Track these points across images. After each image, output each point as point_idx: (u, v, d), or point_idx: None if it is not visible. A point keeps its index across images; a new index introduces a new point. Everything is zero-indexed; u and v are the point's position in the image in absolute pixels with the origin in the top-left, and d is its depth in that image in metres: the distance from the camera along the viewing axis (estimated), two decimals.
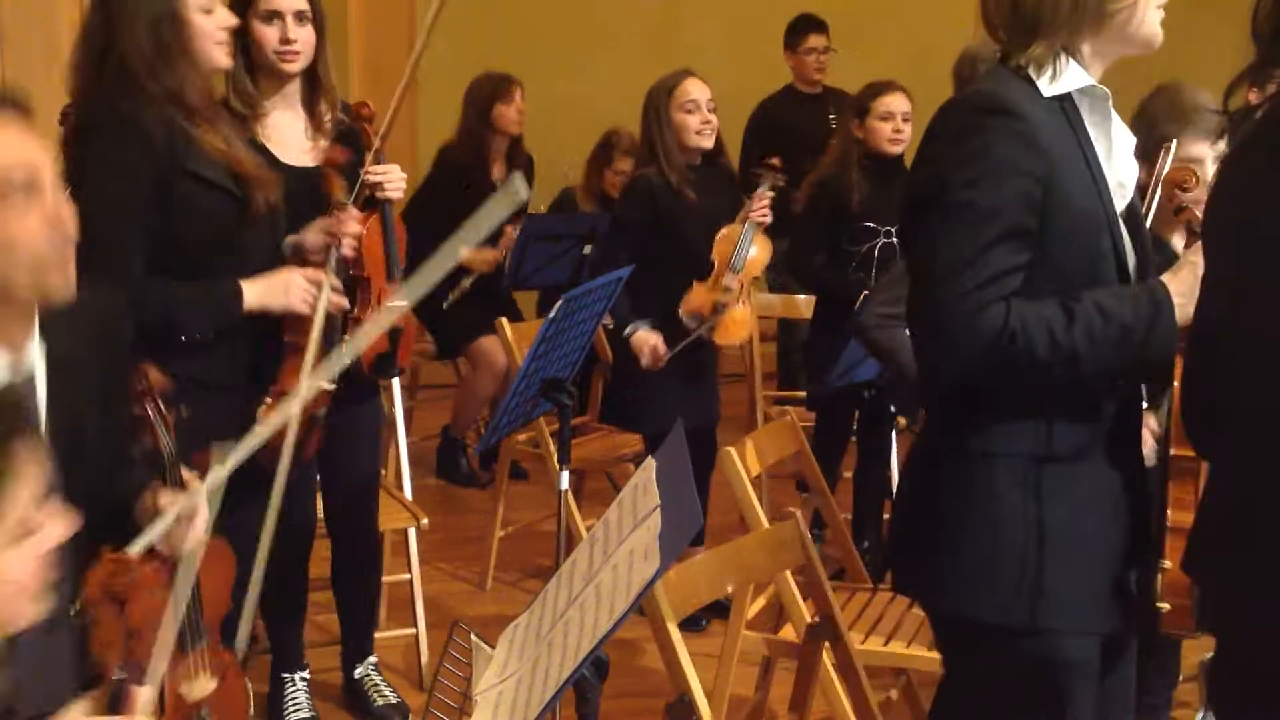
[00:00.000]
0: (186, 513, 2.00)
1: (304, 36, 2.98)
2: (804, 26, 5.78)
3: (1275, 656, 1.59)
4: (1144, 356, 1.87)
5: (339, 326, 2.99)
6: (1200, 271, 1.82)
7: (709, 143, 4.01)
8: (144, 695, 1.42)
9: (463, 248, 1.45)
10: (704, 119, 3.97)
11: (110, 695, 1.34)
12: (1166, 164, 2.52)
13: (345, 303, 2.94)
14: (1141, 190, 2.96)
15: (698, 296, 3.96)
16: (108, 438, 2.07)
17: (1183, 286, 1.87)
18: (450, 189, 4.95)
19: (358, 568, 3.45)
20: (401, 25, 4.92)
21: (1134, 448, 2.01)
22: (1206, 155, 2.88)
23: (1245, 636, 1.66)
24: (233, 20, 2.80)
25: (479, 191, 4.86)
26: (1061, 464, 1.92)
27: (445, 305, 4.96)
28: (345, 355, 2.47)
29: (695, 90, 3.97)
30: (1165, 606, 1.94)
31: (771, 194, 4.04)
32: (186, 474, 2.18)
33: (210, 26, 2.71)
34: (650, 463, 1.68)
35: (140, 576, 1.36)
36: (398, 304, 2.72)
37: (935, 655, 2.15)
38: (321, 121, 3.07)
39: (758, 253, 4.01)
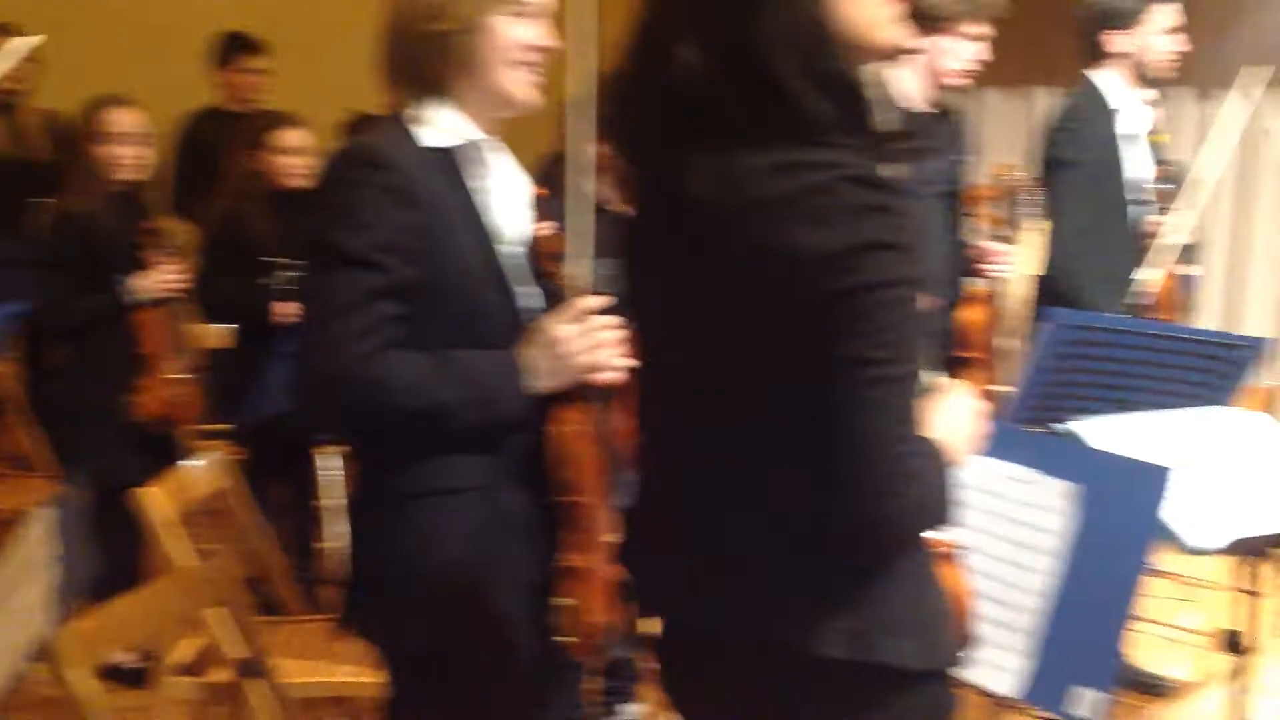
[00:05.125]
0: None
1: None
2: (238, 46, 5.66)
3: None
4: (498, 415, 1.98)
5: None
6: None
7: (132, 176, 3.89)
8: None
9: None
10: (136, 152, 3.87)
11: None
12: None
13: None
14: None
15: (158, 393, 3.89)
16: None
17: (533, 363, 2.00)
18: None
19: None
20: None
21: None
22: None
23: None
24: None
25: None
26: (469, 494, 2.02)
27: None
28: None
29: (126, 120, 3.84)
30: (573, 639, 2.06)
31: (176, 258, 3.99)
32: None
33: None
34: (47, 513, 1.58)
35: None
36: None
37: (377, 680, 2.16)
38: None
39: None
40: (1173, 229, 3.67)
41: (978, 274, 3.74)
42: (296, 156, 4.11)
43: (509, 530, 2.03)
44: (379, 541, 2.04)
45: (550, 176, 2.57)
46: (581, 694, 2.34)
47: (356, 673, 2.85)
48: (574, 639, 2.05)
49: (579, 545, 2.05)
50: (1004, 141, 6.01)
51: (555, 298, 2.09)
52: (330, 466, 4.21)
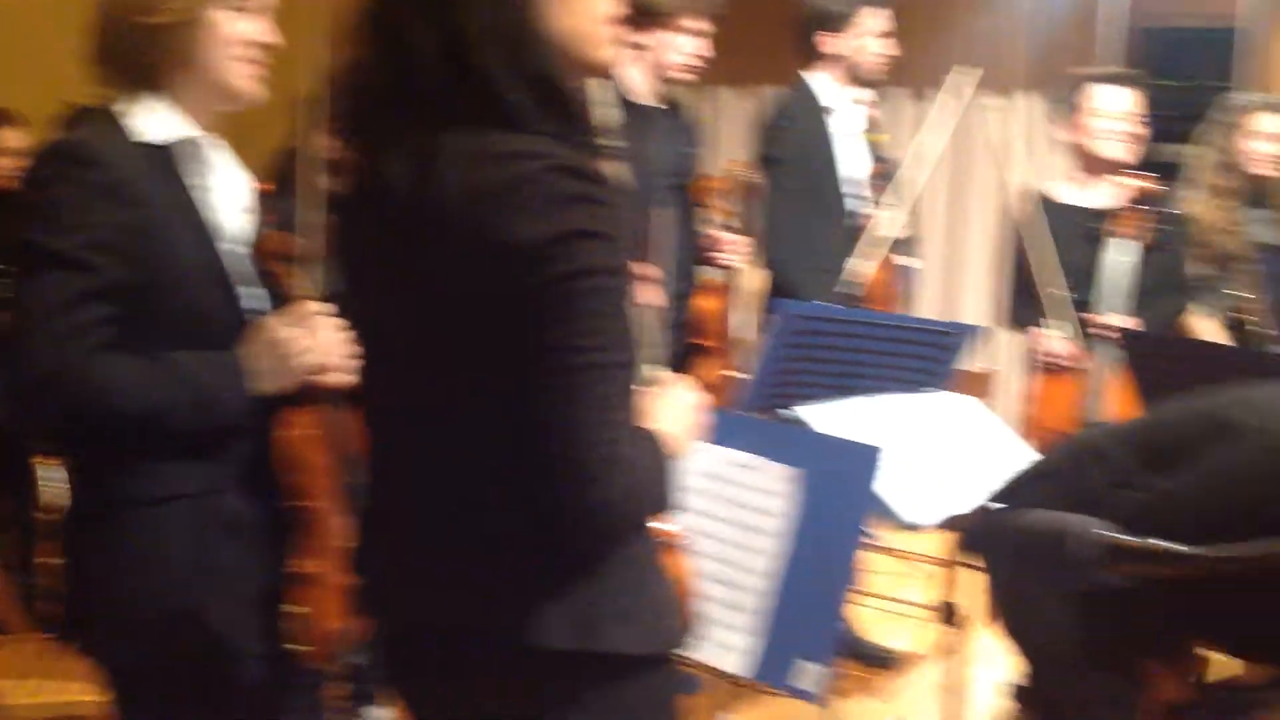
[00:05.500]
0: None
1: None
2: None
3: None
4: (219, 418, 1.95)
5: None
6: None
7: None
8: None
9: None
10: None
11: None
12: None
13: None
14: None
15: None
16: None
17: (255, 364, 1.96)
18: None
19: None
20: None
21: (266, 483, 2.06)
22: None
23: None
24: None
25: None
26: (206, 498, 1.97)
27: None
28: None
29: None
30: (306, 647, 2.04)
31: None
32: None
33: None
34: None
35: None
36: None
37: (103, 698, 2.09)
38: None
39: None
40: (885, 223, 3.85)
41: (711, 263, 3.84)
42: (13, 158, 3.91)
43: (235, 537, 1.99)
44: (97, 552, 1.97)
45: (282, 173, 2.52)
46: (323, 700, 2.31)
47: (83, 690, 2.75)
48: (308, 646, 2.02)
49: (310, 551, 2.02)
50: (736, 138, 6.16)
51: (280, 299, 2.06)
52: (53, 477, 4.02)
